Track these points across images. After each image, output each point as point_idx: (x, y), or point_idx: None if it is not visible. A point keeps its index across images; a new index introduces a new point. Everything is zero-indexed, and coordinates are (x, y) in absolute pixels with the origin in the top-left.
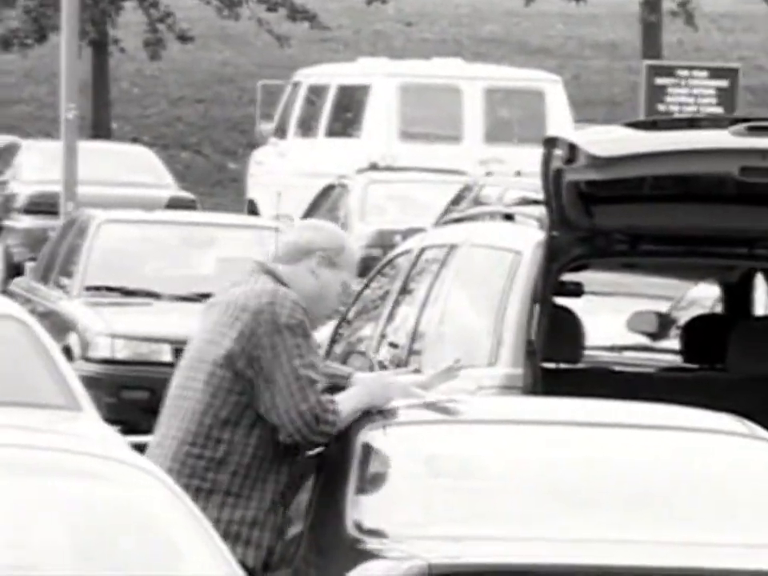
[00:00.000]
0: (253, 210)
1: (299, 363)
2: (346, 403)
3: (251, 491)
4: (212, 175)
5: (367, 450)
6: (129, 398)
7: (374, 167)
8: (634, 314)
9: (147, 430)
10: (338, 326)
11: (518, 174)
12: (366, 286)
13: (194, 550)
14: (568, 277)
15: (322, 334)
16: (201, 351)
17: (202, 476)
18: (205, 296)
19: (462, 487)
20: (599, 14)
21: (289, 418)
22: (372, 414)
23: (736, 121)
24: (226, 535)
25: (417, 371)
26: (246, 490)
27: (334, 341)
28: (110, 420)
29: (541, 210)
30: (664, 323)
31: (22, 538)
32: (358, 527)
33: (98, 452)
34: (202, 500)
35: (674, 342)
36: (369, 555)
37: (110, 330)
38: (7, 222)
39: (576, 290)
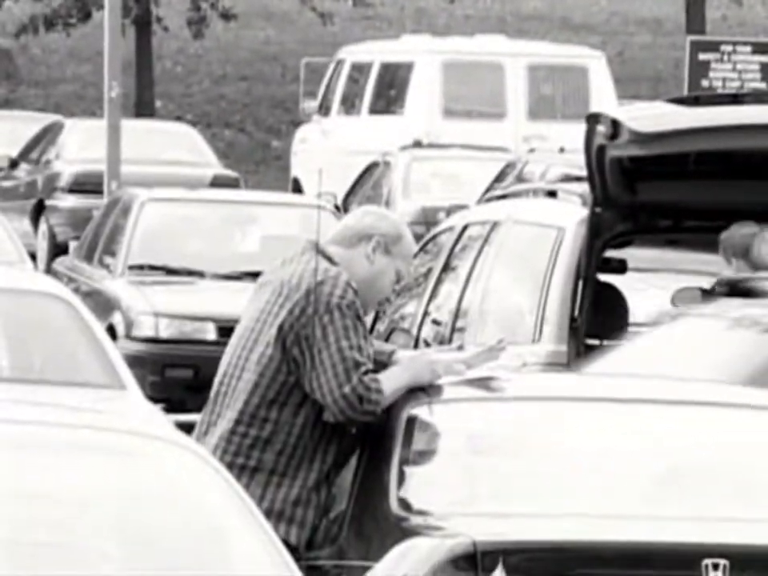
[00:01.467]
0: (297, 187)
1: (346, 344)
2: (390, 382)
3: (296, 471)
4: (255, 153)
5: (411, 427)
6: (173, 376)
7: (417, 144)
8: (677, 290)
9: (191, 409)
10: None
11: (562, 150)
12: None
13: (236, 528)
14: (611, 253)
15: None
16: (253, 330)
17: (247, 454)
18: (248, 274)
19: (506, 464)
20: None
21: (332, 398)
22: (416, 392)
23: None
24: (269, 513)
25: (460, 348)
26: (290, 469)
27: (377, 318)
28: (154, 398)
29: (584, 187)
30: (708, 299)
31: (63, 516)
32: (403, 505)
33: (141, 430)
34: (245, 478)
35: None
36: (413, 533)
37: (154, 309)
38: (51, 202)
39: (620, 267)
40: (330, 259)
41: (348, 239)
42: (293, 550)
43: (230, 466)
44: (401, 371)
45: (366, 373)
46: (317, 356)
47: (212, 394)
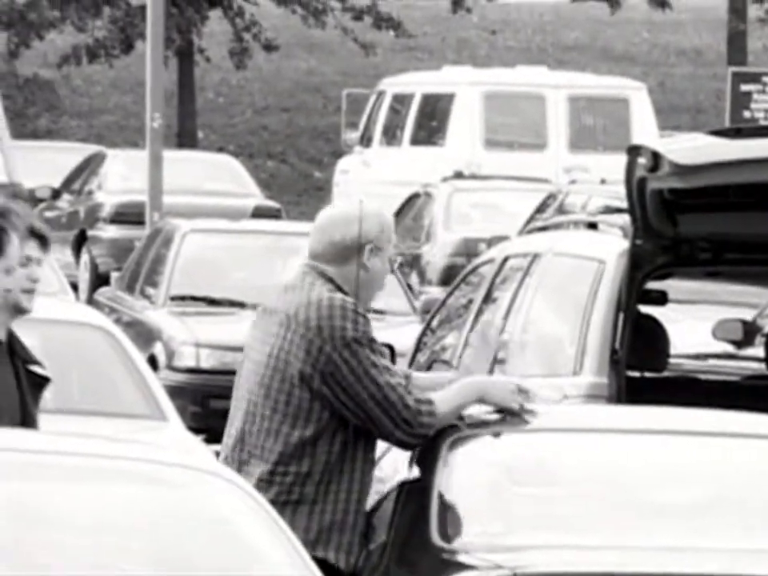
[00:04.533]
0: None
1: (375, 372)
2: (447, 401)
3: (336, 495)
4: (297, 184)
5: (452, 458)
6: (214, 407)
7: (458, 175)
8: (718, 321)
9: None
10: (422, 335)
11: (603, 181)
12: (450, 294)
13: (276, 558)
14: (652, 285)
15: (407, 343)
16: (267, 367)
17: (289, 490)
18: None
19: (546, 496)
20: (684, 21)
21: (388, 431)
22: (455, 424)
23: None
24: (315, 542)
25: None
26: (331, 495)
27: (417, 349)
28: (195, 429)
29: (625, 219)
30: (749, 331)
31: (105, 546)
32: (443, 536)
33: (182, 461)
34: (289, 512)
35: (758, 350)
36: (454, 565)
37: (195, 340)
38: (92, 232)
39: (660, 299)
40: (331, 280)
41: (340, 255)
42: (341, 575)
43: (272, 503)
44: (463, 390)
45: (409, 392)
46: (352, 392)
47: (235, 431)
